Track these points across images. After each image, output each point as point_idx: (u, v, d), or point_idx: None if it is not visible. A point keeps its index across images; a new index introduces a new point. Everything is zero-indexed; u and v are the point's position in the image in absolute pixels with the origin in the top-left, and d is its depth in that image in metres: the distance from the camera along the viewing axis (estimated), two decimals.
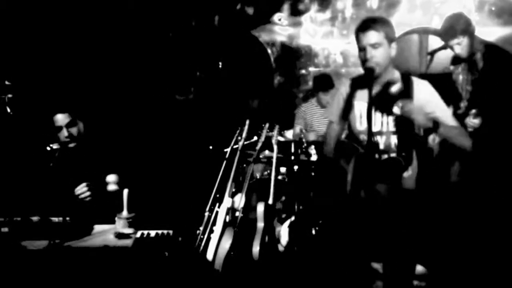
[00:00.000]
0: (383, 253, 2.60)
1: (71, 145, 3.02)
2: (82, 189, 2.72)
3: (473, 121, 3.12)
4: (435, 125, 2.35)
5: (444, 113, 2.48)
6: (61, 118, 2.98)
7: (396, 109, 2.35)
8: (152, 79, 5.31)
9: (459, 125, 2.64)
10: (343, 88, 2.68)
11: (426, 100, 2.45)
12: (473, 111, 3.12)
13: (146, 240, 2.37)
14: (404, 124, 2.43)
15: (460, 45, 3.20)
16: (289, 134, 4.95)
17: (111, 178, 3.03)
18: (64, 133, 2.99)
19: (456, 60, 3.42)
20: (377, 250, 2.62)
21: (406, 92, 2.45)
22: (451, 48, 3.24)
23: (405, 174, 2.47)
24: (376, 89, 2.46)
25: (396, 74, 2.52)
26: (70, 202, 2.78)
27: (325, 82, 4.74)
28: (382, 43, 2.39)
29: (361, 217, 2.49)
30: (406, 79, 2.50)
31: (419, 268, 3.07)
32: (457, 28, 3.16)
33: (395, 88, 2.37)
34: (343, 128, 2.71)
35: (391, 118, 2.47)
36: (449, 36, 3.20)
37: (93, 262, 2.20)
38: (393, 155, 2.48)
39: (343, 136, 2.78)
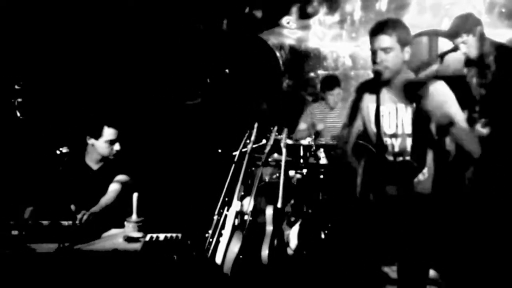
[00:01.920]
0: (396, 257, 2.58)
1: (112, 157, 3.11)
2: (82, 217, 2.72)
3: (481, 130, 3.08)
4: (450, 124, 2.31)
5: (459, 115, 2.43)
6: (113, 133, 3.06)
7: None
8: (161, 83, 5.33)
9: (472, 130, 2.62)
10: (356, 90, 2.67)
11: (443, 100, 2.40)
12: (483, 120, 3.08)
13: (155, 244, 2.38)
14: (420, 124, 2.40)
15: (466, 44, 3.16)
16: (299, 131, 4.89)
17: (121, 177, 3.08)
18: (117, 147, 3.08)
19: (469, 62, 3.38)
20: (387, 253, 2.60)
21: (423, 93, 2.43)
22: (458, 47, 3.21)
23: (421, 177, 2.44)
24: (391, 92, 2.46)
25: (411, 77, 2.51)
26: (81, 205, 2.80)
27: (330, 81, 4.77)
28: (393, 48, 2.37)
29: (371, 220, 2.47)
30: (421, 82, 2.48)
31: (431, 273, 3.05)
32: (462, 26, 3.14)
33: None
34: (358, 130, 2.68)
35: (406, 120, 2.45)
36: (455, 35, 3.18)
37: (102, 265, 2.20)
38: (408, 158, 2.46)
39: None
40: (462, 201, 3.20)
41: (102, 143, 3.04)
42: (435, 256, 2.87)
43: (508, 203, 3.17)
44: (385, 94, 2.47)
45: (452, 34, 3.22)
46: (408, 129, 2.44)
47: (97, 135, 3.03)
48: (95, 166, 3.12)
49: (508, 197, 3.17)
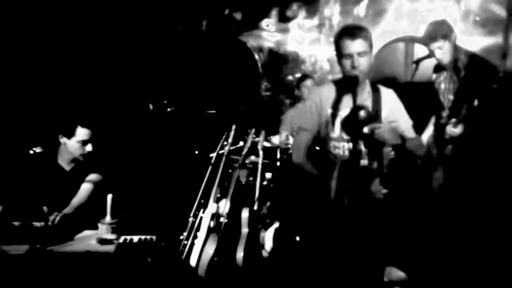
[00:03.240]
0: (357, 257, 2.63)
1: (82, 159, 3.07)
2: (55, 218, 2.68)
3: (453, 130, 3.14)
4: (403, 141, 2.41)
5: (406, 124, 2.62)
6: (86, 133, 3.02)
7: (366, 130, 2.39)
8: (137, 83, 5.29)
9: (417, 136, 2.75)
10: (316, 95, 2.69)
11: (392, 108, 2.58)
12: (453, 120, 3.15)
13: (129, 246, 2.36)
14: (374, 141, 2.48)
15: (441, 50, 3.21)
16: (275, 139, 4.97)
17: (93, 177, 3.04)
18: (89, 148, 3.03)
19: (438, 68, 3.45)
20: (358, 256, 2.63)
21: (375, 100, 2.54)
22: (432, 53, 3.26)
23: (376, 182, 2.50)
24: (350, 96, 2.49)
25: (368, 84, 2.60)
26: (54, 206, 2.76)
27: (304, 76, 5.01)
28: (367, 52, 2.43)
29: (344, 223, 2.51)
30: (375, 87, 2.60)
31: (400, 274, 3.09)
32: (438, 32, 3.19)
33: (363, 113, 2.40)
34: (314, 135, 2.69)
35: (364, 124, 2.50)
36: (430, 40, 3.23)
37: (75, 267, 2.18)
38: (364, 162, 2.52)
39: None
40: (428, 201, 3.27)
41: (74, 143, 3.00)
42: (402, 257, 2.93)
43: (476, 202, 3.26)
44: (346, 98, 2.51)
45: (427, 38, 3.27)
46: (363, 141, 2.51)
47: (70, 134, 2.99)
48: (67, 167, 3.08)
49: (476, 197, 3.26)
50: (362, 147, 2.52)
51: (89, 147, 3.03)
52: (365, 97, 2.54)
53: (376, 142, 2.45)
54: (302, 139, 2.70)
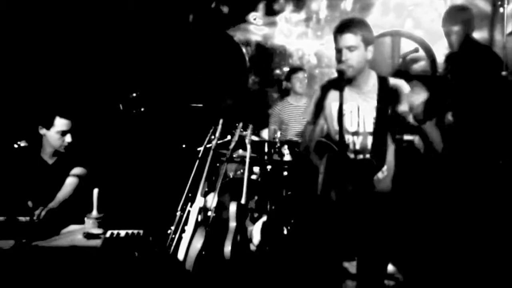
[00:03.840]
0: (356, 253, 2.63)
1: (63, 150, 3.02)
2: (40, 213, 2.65)
3: (449, 119, 3.13)
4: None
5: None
6: (65, 124, 2.97)
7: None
8: (122, 76, 5.24)
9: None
10: (320, 89, 2.70)
11: (401, 99, 2.50)
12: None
13: (115, 240, 2.35)
14: (382, 122, 2.46)
15: (458, 35, 3.17)
16: (264, 133, 4.98)
17: (78, 171, 3.01)
18: (68, 139, 2.98)
19: (450, 57, 3.37)
20: (347, 249, 2.65)
21: (380, 91, 2.50)
22: (448, 36, 3.20)
23: (380, 175, 2.50)
24: (354, 90, 2.51)
25: (373, 76, 2.56)
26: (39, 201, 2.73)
27: (295, 68, 5.08)
28: (358, 46, 2.42)
29: (332, 217, 2.51)
30: (383, 80, 2.55)
31: (390, 268, 3.13)
32: (461, 16, 3.15)
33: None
34: (322, 128, 2.70)
35: (368, 118, 2.50)
36: (451, 23, 3.17)
37: (61, 262, 2.16)
38: (368, 156, 2.51)
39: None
40: (421, 197, 3.29)
41: (54, 134, 2.96)
42: (393, 252, 2.95)
43: (469, 200, 3.29)
44: (347, 92, 2.51)
45: (448, 22, 3.19)
46: (370, 128, 2.50)
47: (49, 124, 2.95)
48: (50, 161, 3.04)
49: (468, 195, 3.29)
50: (369, 142, 2.51)
51: (68, 138, 2.98)
52: (370, 90, 2.52)
53: (385, 126, 2.46)
54: (309, 132, 2.71)
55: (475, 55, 3.20)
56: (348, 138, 2.54)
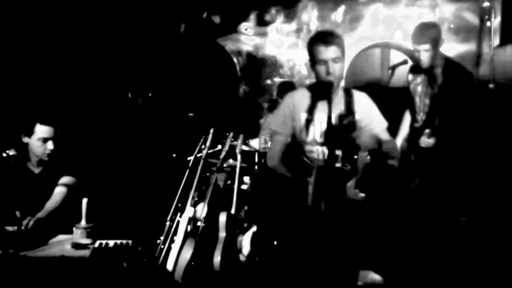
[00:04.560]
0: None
1: (46, 158, 2.96)
2: (28, 223, 2.63)
3: (427, 141, 3.18)
4: (379, 144, 2.42)
5: (380, 128, 2.64)
6: (46, 131, 2.92)
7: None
8: (114, 84, 5.23)
9: (392, 138, 2.73)
10: (289, 99, 2.72)
11: (365, 111, 2.61)
12: (427, 130, 3.17)
13: (104, 250, 2.33)
14: (349, 131, 2.52)
15: (428, 53, 3.21)
16: (254, 143, 4.98)
17: (66, 180, 2.98)
18: (50, 146, 2.92)
19: (415, 69, 3.45)
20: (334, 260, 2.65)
21: (347, 103, 2.57)
22: (418, 53, 3.24)
23: (349, 183, 2.51)
24: (324, 101, 2.52)
25: (341, 88, 2.63)
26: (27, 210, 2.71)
27: (287, 86, 5.00)
28: (341, 58, 2.47)
29: (321, 227, 2.52)
30: (347, 92, 2.63)
31: (375, 277, 3.13)
32: (428, 34, 3.19)
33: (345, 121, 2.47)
34: (288, 139, 2.72)
35: (337, 128, 2.52)
36: (420, 41, 3.21)
37: (49, 273, 2.14)
38: (339, 164, 2.54)
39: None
40: (403, 206, 3.31)
41: (35, 141, 2.90)
42: (379, 261, 2.96)
43: (451, 208, 3.32)
44: (317, 103, 2.55)
45: (416, 38, 3.24)
46: (338, 137, 2.53)
47: (30, 132, 2.91)
48: (36, 170, 3.00)
49: (451, 202, 3.32)
50: (339, 152, 2.54)
51: (50, 145, 2.92)
52: (338, 101, 2.56)
53: (352, 146, 2.48)
54: (276, 142, 2.74)
55: (445, 71, 3.28)
56: (317, 148, 2.57)
